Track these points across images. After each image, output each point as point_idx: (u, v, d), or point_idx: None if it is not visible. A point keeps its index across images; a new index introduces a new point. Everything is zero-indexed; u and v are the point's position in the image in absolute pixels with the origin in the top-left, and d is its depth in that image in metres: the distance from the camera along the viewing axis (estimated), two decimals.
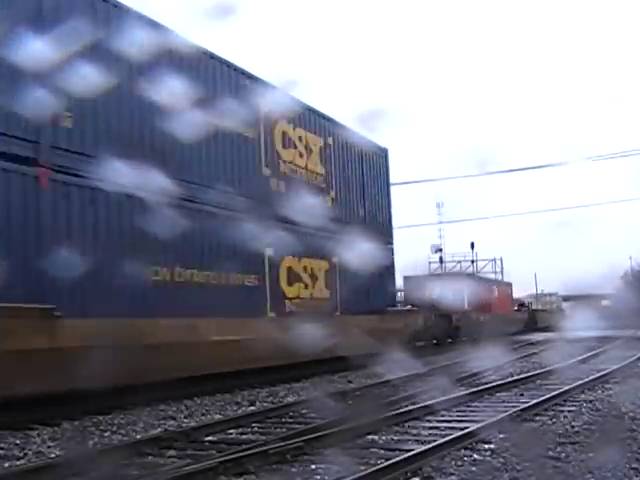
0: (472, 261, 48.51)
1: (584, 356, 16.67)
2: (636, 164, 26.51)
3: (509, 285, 42.62)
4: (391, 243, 20.15)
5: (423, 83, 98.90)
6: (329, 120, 17.47)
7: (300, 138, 16.11)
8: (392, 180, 20.87)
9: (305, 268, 15.58)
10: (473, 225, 69.40)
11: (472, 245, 48.37)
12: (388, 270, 19.14)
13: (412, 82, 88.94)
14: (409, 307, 23.34)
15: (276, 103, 14.71)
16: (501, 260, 49.33)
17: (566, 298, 54.69)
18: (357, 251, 15.86)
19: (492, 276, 45.84)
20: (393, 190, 20.77)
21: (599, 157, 25.76)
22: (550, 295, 63.02)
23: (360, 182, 18.66)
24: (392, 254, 20.04)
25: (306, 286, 15.59)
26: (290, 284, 14.95)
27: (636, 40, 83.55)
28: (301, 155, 16.11)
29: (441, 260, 48.53)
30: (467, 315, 27.65)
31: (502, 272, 48.91)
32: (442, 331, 25.07)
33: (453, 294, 26.62)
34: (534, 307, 50.81)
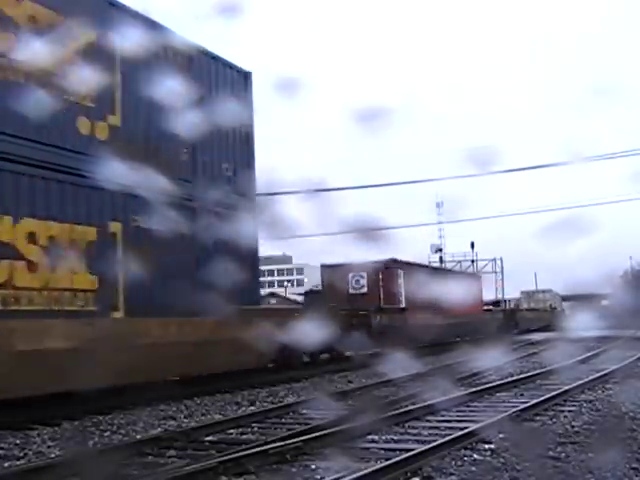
0: (472, 261, 48.54)
1: (584, 356, 16.66)
2: (636, 164, 26.47)
3: (477, 279, 35.37)
4: (248, 209, 13.58)
5: (423, 83, 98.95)
6: (115, 5, 11.20)
7: (33, 18, 9.92)
8: (392, 180, 19.53)
9: (32, 236, 9.61)
10: (473, 225, 69.42)
11: (472, 245, 48.48)
12: (242, 251, 12.72)
13: (412, 82, 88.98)
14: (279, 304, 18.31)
15: None
16: (501, 260, 49.33)
17: (566, 298, 53.15)
18: (169, 216, 10.78)
19: (492, 276, 45.75)
20: (393, 189, 19.34)
21: (599, 157, 25.63)
22: (543, 292, 52.39)
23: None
24: (252, 227, 13.59)
25: (33, 267, 9.57)
26: None
27: (636, 40, 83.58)
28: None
29: (441, 260, 48.59)
30: (399, 316, 21.21)
31: (502, 272, 48.95)
32: (353, 338, 16.85)
33: (385, 288, 21.40)
34: (524, 306, 45.05)
